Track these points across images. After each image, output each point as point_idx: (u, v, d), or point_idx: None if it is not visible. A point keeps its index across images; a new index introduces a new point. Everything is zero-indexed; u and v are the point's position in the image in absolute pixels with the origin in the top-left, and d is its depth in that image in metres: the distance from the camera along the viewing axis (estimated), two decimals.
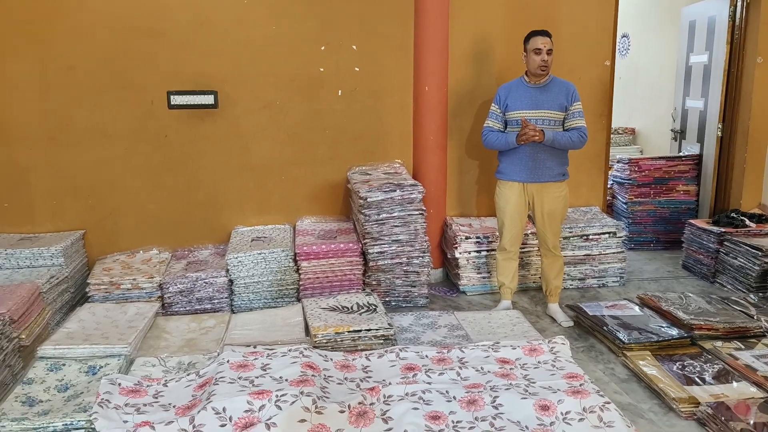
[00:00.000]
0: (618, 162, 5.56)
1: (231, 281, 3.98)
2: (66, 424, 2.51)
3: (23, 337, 3.19)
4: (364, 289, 4.08)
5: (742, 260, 4.27)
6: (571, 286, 4.49)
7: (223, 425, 2.46)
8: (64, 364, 2.95)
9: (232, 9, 4.25)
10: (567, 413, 2.61)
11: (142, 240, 4.43)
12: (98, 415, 2.51)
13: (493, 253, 4.32)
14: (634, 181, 5.36)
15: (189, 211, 4.48)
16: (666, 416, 2.80)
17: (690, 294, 3.93)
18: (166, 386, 2.84)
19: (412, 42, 4.47)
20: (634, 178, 5.36)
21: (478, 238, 4.36)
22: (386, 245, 4.06)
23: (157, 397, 2.75)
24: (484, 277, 4.41)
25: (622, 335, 3.39)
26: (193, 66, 4.27)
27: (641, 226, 5.41)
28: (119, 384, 2.77)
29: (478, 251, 4.37)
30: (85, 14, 4.10)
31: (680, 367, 3.10)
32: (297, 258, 4.04)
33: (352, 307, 3.66)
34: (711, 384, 2.93)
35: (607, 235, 4.52)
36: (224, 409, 2.51)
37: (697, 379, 2.98)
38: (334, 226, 4.46)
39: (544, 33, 3.67)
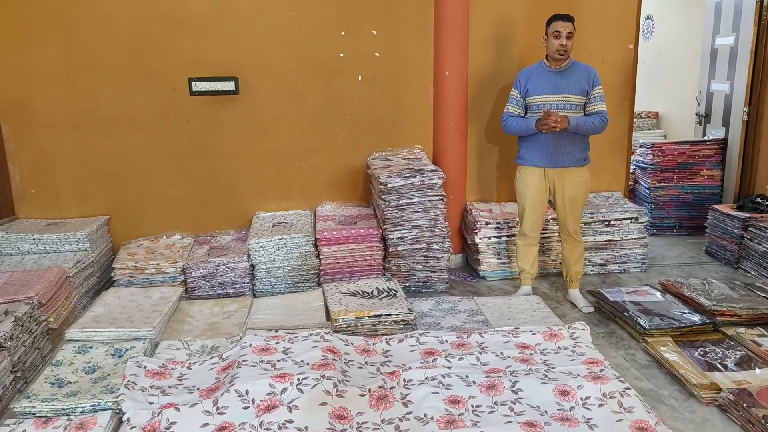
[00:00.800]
0: (641, 146, 5.48)
1: (252, 266, 4.03)
2: (94, 405, 2.57)
3: (51, 320, 3.27)
4: (384, 275, 4.10)
5: (766, 246, 4.20)
6: (591, 272, 4.46)
7: (246, 407, 2.51)
8: (91, 347, 3.02)
9: None
10: (587, 398, 2.61)
11: (165, 225, 4.49)
12: (125, 397, 2.57)
13: (513, 238, 4.31)
14: (657, 166, 5.29)
15: (211, 197, 4.53)
16: (687, 402, 2.79)
17: (713, 280, 3.89)
18: (190, 369, 2.90)
19: (432, 26, 4.44)
20: (657, 162, 5.28)
21: (498, 223, 4.35)
22: (406, 231, 4.07)
23: (181, 380, 2.81)
24: (504, 263, 4.41)
25: (643, 321, 3.37)
26: (214, 52, 4.29)
27: (664, 211, 5.35)
28: (145, 366, 2.83)
29: (498, 237, 4.36)
30: (107, 1, 4.14)
31: (702, 353, 3.08)
32: (318, 243, 4.07)
33: (372, 292, 3.69)
34: (733, 370, 2.91)
35: (629, 221, 4.48)
36: (247, 392, 2.55)
37: (719, 365, 2.96)
38: (354, 211, 4.48)
39: (566, 17, 3.62)
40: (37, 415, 2.53)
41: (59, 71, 4.19)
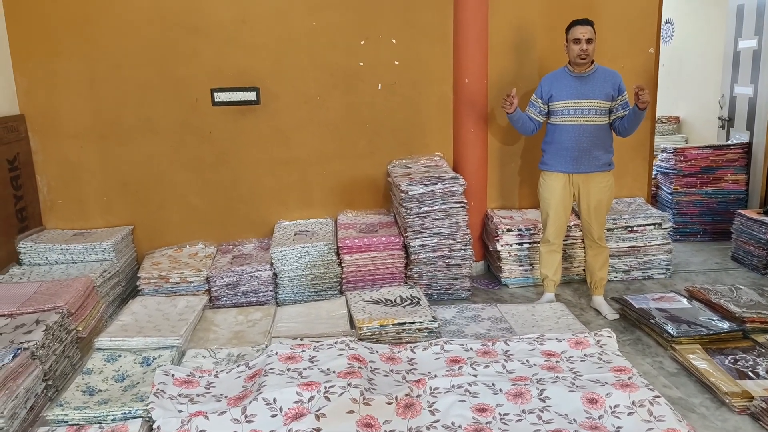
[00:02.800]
0: (662, 152, 5.44)
1: (275, 275, 4.05)
2: (125, 413, 2.61)
3: (80, 329, 3.31)
4: (406, 282, 4.10)
5: None
6: (615, 279, 4.42)
7: (273, 416, 2.52)
8: (119, 355, 3.06)
9: (273, 6, 4.30)
10: (616, 407, 2.59)
11: (188, 234, 4.53)
12: (154, 405, 2.60)
13: (535, 245, 4.29)
14: (679, 171, 5.23)
15: (233, 206, 4.57)
16: (718, 411, 2.75)
17: (741, 286, 3.83)
18: (217, 377, 2.92)
19: (451, 34, 4.45)
20: (679, 167, 5.23)
21: (519, 230, 4.33)
22: (428, 238, 4.07)
23: (209, 388, 2.83)
24: (526, 270, 4.38)
25: (670, 328, 3.34)
26: (236, 62, 4.34)
27: (687, 216, 5.29)
28: (173, 375, 2.85)
29: (520, 244, 4.34)
30: (131, 13, 4.21)
31: (732, 360, 3.04)
32: (339, 251, 4.08)
33: (395, 300, 3.69)
34: (765, 378, 2.86)
35: (652, 227, 4.43)
36: (275, 400, 2.57)
37: (750, 373, 2.92)
38: (375, 219, 4.49)
39: (585, 22, 3.63)
40: (70, 422, 2.57)
41: (84, 82, 4.26)
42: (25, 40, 4.17)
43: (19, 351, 2.72)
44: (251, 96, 4.37)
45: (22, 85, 4.22)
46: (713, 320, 3.41)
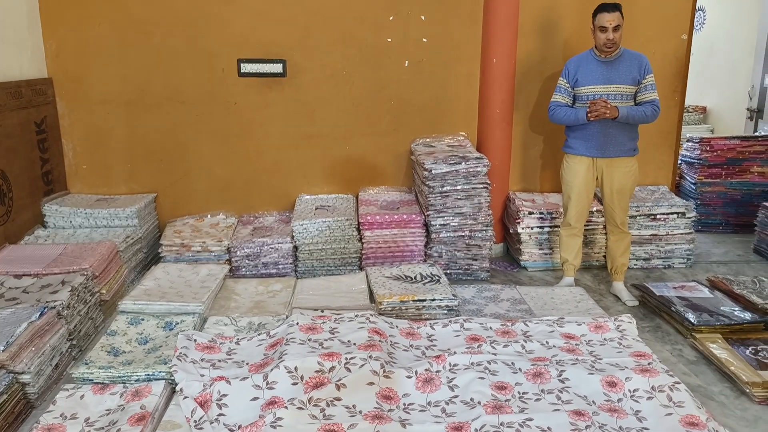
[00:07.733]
0: (688, 141, 5.36)
1: (296, 248, 4.07)
2: (148, 374, 2.65)
3: (104, 292, 3.36)
4: (426, 260, 4.10)
5: None
6: (635, 266, 4.39)
7: (294, 383, 2.55)
8: (143, 319, 3.10)
9: None
10: (635, 391, 2.59)
11: (210, 204, 4.56)
12: (177, 368, 2.63)
13: (555, 229, 4.27)
14: (705, 161, 5.17)
15: (255, 178, 4.58)
16: (738, 400, 2.75)
17: (764, 278, 3.79)
18: (239, 344, 2.95)
19: (481, 12, 4.40)
20: (705, 157, 5.16)
21: (541, 213, 4.32)
22: (449, 217, 4.06)
23: (230, 354, 2.86)
24: (545, 254, 4.37)
25: (691, 316, 3.32)
26: (264, 33, 4.32)
27: (710, 207, 5.23)
28: (195, 340, 2.89)
29: (540, 227, 4.32)
30: None
31: (753, 351, 3.02)
32: (360, 227, 4.09)
33: (415, 277, 3.70)
34: None
35: (675, 216, 4.40)
36: (296, 369, 2.60)
37: None
38: (397, 197, 4.48)
39: (611, 8, 3.52)
40: (95, 381, 2.61)
41: (113, 48, 4.27)
42: (56, 4, 4.17)
43: (46, 310, 2.77)
44: (277, 68, 4.36)
45: (51, 48, 4.24)
46: (735, 311, 3.39)
